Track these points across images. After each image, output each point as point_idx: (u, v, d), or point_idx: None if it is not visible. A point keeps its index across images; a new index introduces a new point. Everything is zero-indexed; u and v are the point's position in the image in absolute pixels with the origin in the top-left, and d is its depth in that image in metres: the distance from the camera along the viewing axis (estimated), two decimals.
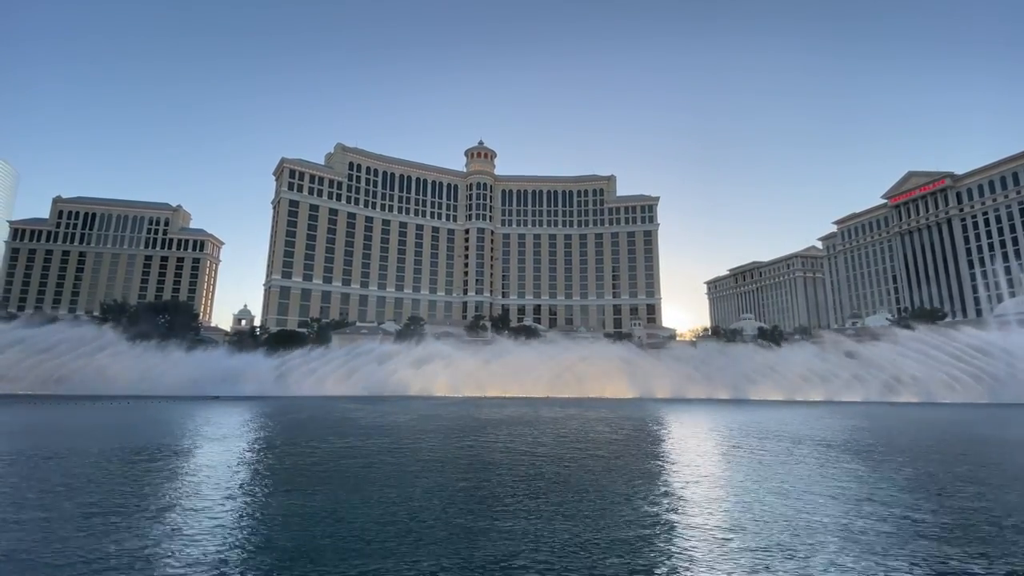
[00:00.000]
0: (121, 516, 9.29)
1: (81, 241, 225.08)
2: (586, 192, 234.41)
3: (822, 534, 8.39)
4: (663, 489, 12.16)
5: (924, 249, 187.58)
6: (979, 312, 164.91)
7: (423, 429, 26.51)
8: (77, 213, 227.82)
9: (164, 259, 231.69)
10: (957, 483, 12.86)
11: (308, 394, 66.49)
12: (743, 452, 18.32)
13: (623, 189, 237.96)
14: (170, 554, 7.34)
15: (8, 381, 62.72)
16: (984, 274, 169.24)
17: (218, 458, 16.84)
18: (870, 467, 15.34)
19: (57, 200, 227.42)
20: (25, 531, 8.43)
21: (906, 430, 29.34)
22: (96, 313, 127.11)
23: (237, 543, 7.92)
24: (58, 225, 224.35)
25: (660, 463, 16.58)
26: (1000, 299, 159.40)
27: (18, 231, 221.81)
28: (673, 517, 9.47)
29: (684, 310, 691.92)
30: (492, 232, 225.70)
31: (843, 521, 9.14)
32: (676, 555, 7.43)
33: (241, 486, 12.42)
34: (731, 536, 8.30)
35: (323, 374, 74.98)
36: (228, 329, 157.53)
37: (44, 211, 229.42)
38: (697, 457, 17.86)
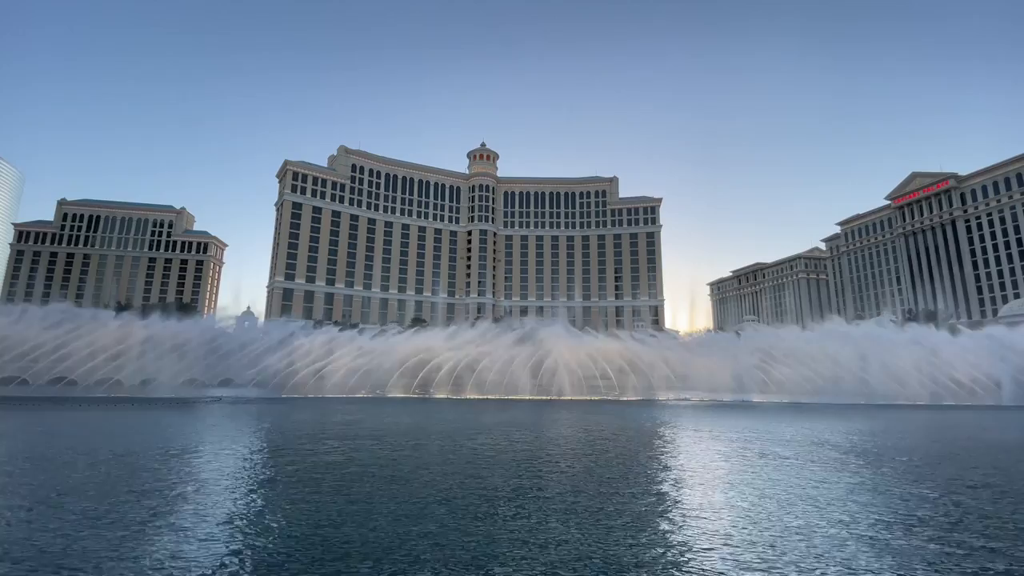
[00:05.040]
0: None
1: (85, 243, 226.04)
2: (588, 194, 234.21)
3: None
4: None
5: (928, 250, 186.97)
6: (983, 313, 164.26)
7: None
8: (81, 215, 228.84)
9: (168, 261, 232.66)
10: None
11: None
12: None
13: (626, 190, 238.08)
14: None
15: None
16: (988, 275, 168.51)
17: None
18: None
19: (62, 202, 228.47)
20: None
21: None
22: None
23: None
24: (62, 227, 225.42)
25: None
26: (1005, 300, 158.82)
27: (23, 233, 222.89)
28: None
29: (687, 312, 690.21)
30: (494, 234, 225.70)
31: None
32: None
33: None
34: None
35: None
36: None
37: (49, 213, 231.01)
38: None
